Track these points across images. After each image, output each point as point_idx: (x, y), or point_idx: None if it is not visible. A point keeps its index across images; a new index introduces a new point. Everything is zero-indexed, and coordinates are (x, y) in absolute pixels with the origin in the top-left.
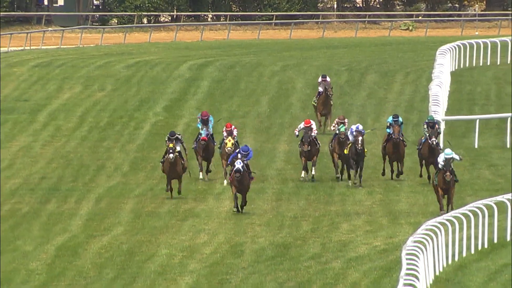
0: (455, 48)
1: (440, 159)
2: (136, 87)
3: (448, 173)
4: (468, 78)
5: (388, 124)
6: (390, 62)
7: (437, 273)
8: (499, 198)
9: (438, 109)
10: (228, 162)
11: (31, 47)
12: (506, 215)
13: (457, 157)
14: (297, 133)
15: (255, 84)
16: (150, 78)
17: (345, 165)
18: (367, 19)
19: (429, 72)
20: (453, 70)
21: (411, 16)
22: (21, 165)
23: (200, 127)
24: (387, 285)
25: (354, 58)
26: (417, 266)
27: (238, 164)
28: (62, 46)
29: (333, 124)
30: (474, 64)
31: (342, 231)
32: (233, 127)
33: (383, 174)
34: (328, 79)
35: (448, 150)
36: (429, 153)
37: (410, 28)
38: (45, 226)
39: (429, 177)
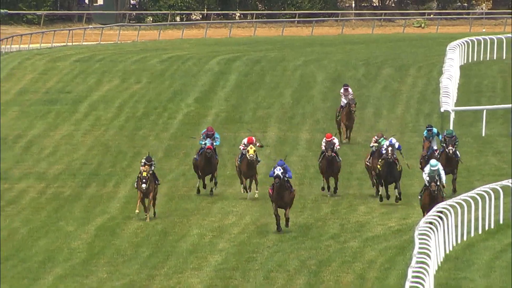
0: (463, 44)
1: (425, 172)
2: (170, 80)
3: (433, 183)
4: (475, 71)
5: (424, 137)
6: (404, 57)
7: (447, 252)
8: (505, 182)
9: (448, 100)
10: (270, 175)
11: (73, 43)
12: (511, 198)
13: (443, 175)
14: (323, 148)
15: (279, 77)
16: (182, 71)
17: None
18: (382, 17)
19: (440, 66)
20: (462, 64)
21: (423, 14)
22: (64, 152)
23: (202, 143)
24: (401, 262)
25: (370, 53)
26: (428, 245)
27: (278, 171)
28: (101, 42)
29: (373, 141)
30: (481, 59)
31: (359, 213)
32: (254, 139)
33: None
34: (350, 89)
35: (433, 161)
36: (446, 162)
37: (423, 25)
38: (85, 208)
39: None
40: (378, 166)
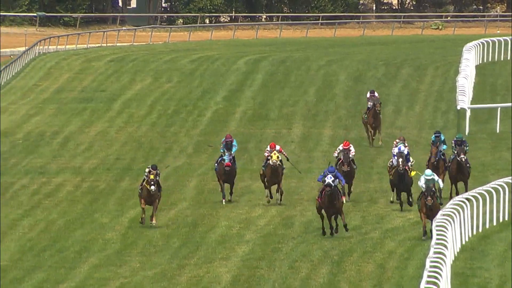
0: (479, 45)
1: (421, 182)
2: (199, 79)
3: (429, 198)
4: (490, 71)
5: (431, 140)
6: (422, 57)
7: (464, 243)
8: None
9: (464, 99)
10: (318, 180)
11: (107, 44)
12: None
13: (437, 178)
14: (335, 155)
15: (303, 76)
16: (211, 71)
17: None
18: (402, 19)
19: (456, 66)
20: (478, 64)
21: (441, 16)
22: (99, 147)
23: (223, 152)
24: (419, 253)
25: (390, 54)
26: (446, 236)
27: (329, 179)
28: (134, 43)
29: (394, 144)
30: (496, 59)
31: (379, 205)
32: (278, 147)
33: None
34: (376, 94)
35: (428, 171)
36: (457, 170)
37: (440, 27)
38: (119, 201)
39: (457, 193)
40: (390, 176)
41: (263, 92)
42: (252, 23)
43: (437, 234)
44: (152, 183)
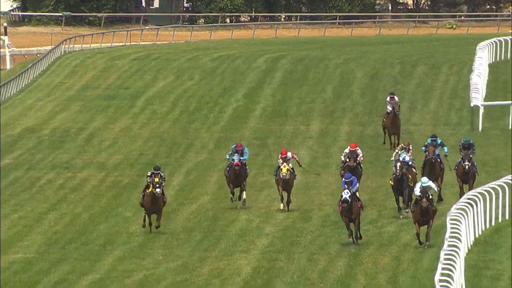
0: (492, 43)
1: (417, 188)
2: (220, 77)
3: (424, 199)
4: (503, 69)
5: (426, 144)
6: (437, 56)
7: (477, 236)
8: None
9: (478, 96)
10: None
11: (131, 43)
12: None
13: (433, 186)
14: (343, 158)
15: (321, 74)
16: (232, 69)
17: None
18: (417, 19)
19: (470, 64)
20: (491, 62)
21: (455, 16)
22: (122, 143)
23: (229, 157)
24: (434, 245)
25: (405, 52)
26: (459, 229)
27: (345, 194)
28: (157, 42)
29: (396, 150)
30: (508, 58)
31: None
32: (289, 154)
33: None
34: (396, 98)
35: (424, 179)
36: (463, 176)
37: (454, 26)
38: None
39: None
40: (390, 182)
41: (282, 89)
42: (271, 22)
43: (451, 228)
44: (157, 185)
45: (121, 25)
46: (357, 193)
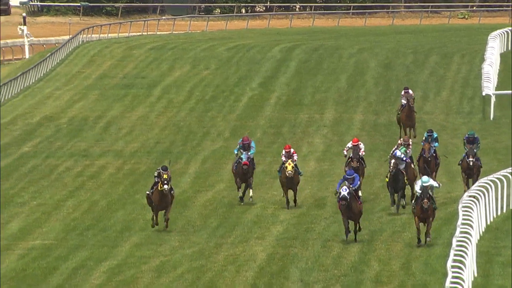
0: (504, 33)
1: (417, 187)
2: (236, 66)
3: (425, 200)
4: None
5: (424, 138)
6: (449, 46)
7: (488, 223)
8: None
9: (489, 85)
10: (336, 189)
11: (148, 33)
12: None
13: (435, 183)
14: (345, 153)
15: (335, 64)
16: (247, 58)
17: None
18: (430, 9)
19: (481, 54)
20: (502, 52)
21: (467, 6)
22: (139, 132)
23: (237, 152)
24: (446, 232)
25: (418, 42)
26: (471, 217)
27: (344, 191)
28: (173, 32)
29: (395, 147)
30: None
31: (408, 187)
32: (292, 150)
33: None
34: (410, 91)
35: (425, 178)
36: (468, 171)
37: (466, 16)
38: None
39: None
40: (386, 178)
41: (296, 78)
42: (286, 12)
43: (463, 215)
44: (165, 182)
45: (138, 15)
46: (359, 191)
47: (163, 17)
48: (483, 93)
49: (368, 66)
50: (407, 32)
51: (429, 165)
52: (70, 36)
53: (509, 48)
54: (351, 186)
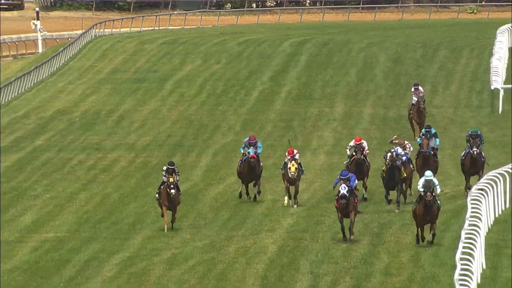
0: None
1: (420, 184)
2: (246, 60)
3: (428, 193)
4: None
5: (421, 134)
6: (458, 40)
7: (497, 215)
8: None
9: (498, 79)
10: (333, 186)
11: (160, 28)
12: None
13: (437, 183)
14: (348, 152)
15: (345, 58)
16: (258, 53)
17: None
18: (439, 3)
19: (490, 48)
20: (511, 46)
21: (476, 1)
22: (151, 125)
23: (242, 150)
24: (455, 225)
25: (427, 37)
26: (480, 209)
27: (343, 190)
28: (185, 27)
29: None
30: None
31: (417, 180)
32: (295, 151)
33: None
34: (420, 88)
35: (428, 172)
36: (471, 164)
37: (475, 11)
38: None
39: (469, 188)
40: (383, 172)
41: (306, 72)
42: (297, 7)
43: (472, 207)
44: (171, 186)
45: (150, 10)
46: (356, 190)
47: (175, 12)
48: (492, 87)
49: (377, 60)
50: (416, 27)
51: (428, 161)
52: (83, 30)
53: None
54: (349, 184)
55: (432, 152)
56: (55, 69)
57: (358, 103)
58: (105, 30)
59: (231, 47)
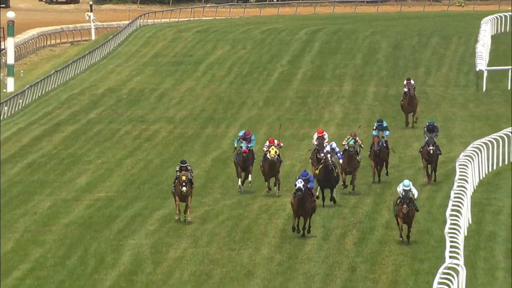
0: (494, 18)
1: (399, 189)
2: (268, 46)
3: (405, 206)
4: (503, 40)
5: (374, 127)
6: (448, 29)
7: (481, 178)
8: None
9: (482, 62)
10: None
11: (194, 18)
12: None
13: (415, 191)
14: (315, 143)
15: (352, 44)
16: (278, 40)
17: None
18: None
19: (475, 36)
20: (493, 34)
21: None
22: (187, 101)
23: (236, 144)
24: (445, 186)
25: (422, 26)
26: (466, 173)
27: (299, 183)
28: (216, 18)
29: (345, 140)
30: (508, 30)
31: (413, 147)
32: (276, 141)
33: (373, 181)
34: (412, 81)
35: (406, 182)
36: (428, 158)
37: (463, 4)
38: (204, 144)
39: (429, 177)
40: (317, 171)
41: (319, 57)
42: (311, 1)
43: (459, 171)
44: (184, 184)
45: (186, 3)
46: (313, 190)
47: (208, 5)
48: (477, 69)
49: (380, 47)
50: (413, 18)
51: (379, 157)
52: (129, 21)
53: (499, 31)
54: (308, 185)
55: (385, 144)
56: (105, 53)
57: (363, 82)
58: (148, 20)
59: (255, 35)
